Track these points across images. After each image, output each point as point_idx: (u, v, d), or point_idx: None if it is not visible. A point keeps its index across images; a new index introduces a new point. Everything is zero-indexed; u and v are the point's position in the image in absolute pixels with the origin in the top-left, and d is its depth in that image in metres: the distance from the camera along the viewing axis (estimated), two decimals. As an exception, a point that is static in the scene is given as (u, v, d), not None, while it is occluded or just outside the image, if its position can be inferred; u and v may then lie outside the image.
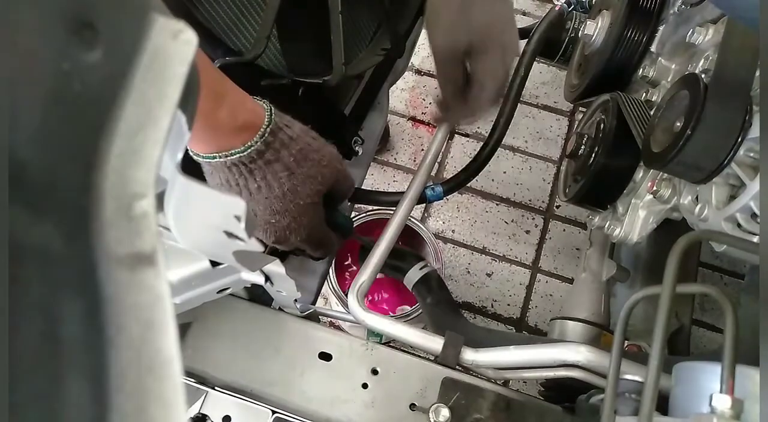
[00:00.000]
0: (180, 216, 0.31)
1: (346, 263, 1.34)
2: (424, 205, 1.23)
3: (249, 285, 0.59)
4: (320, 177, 0.59)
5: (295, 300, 0.64)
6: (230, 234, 0.30)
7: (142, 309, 0.14)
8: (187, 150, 0.23)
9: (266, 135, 0.54)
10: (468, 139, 1.62)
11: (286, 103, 0.61)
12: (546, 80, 1.70)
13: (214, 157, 0.53)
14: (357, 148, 0.86)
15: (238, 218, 0.27)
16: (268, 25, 0.60)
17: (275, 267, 0.49)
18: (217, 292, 0.55)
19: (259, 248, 0.31)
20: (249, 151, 0.53)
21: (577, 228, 1.54)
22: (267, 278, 0.54)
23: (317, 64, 0.73)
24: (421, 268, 0.88)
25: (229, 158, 0.53)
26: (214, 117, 0.50)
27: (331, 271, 1.20)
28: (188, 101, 0.18)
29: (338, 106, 0.84)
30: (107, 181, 0.15)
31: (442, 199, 0.84)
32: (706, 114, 0.49)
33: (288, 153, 0.56)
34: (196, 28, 0.19)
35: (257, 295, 0.70)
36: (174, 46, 0.17)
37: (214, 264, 0.48)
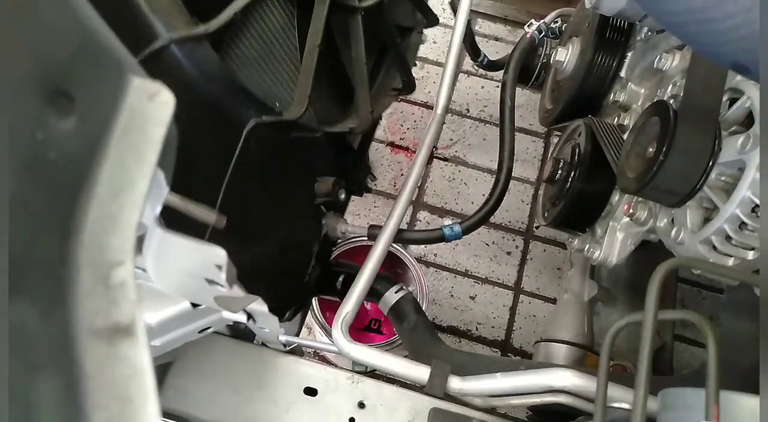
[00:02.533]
0: (159, 264, 0.30)
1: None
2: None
3: (231, 323, 0.58)
4: None
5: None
6: (211, 281, 0.30)
7: (121, 383, 0.13)
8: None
9: None
10: (446, 162, 1.64)
11: (309, 147, 0.60)
12: (520, 103, 1.72)
13: None
14: (370, 185, 0.87)
15: (219, 267, 0.27)
16: (308, 86, 0.60)
17: (257, 305, 0.48)
18: (199, 332, 0.54)
19: (241, 294, 0.30)
20: None
21: (557, 248, 1.55)
22: (249, 316, 0.53)
23: (339, 111, 0.73)
24: (396, 291, 0.88)
25: None
26: None
27: (314, 301, 1.18)
28: (166, 159, 0.18)
29: (352, 146, 0.84)
30: (84, 249, 0.15)
31: (461, 238, 0.83)
32: (677, 140, 0.50)
33: None
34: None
35: (239, 330, 0.69)
36: (151, 108, 0.16)
37: (194, 304, 0.48)
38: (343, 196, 0.74)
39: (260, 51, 0.60)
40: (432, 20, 0.96)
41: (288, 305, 0.75)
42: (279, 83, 0.64)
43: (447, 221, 1.57)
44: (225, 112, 0.54)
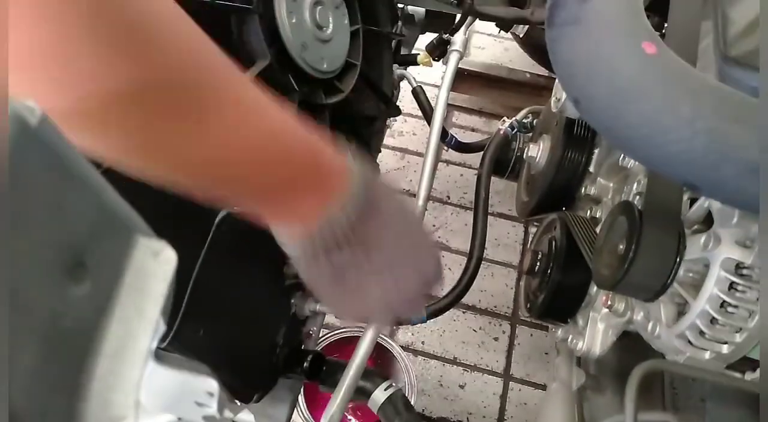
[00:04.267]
0: (148, 387, 0.31)
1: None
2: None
3: (216, 432, 0.57)
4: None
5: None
6: (201, 404, 0.30)
7: None
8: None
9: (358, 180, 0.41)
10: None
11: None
12: (499, 189, 1.79)
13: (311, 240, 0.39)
14: None
15: (210, 394, 0.27)
16: None
17: (245, 416, 0.48)
18: (183, 443, 0.53)
19: (231, 414, 0.31)
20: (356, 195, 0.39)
21: (544, 331, 1.55)
22: (235, 425, 0.52)
23: None
24: (386, 389, 0.87)
25: (328, 226, 0.38)
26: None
27: (301, 398, 1.16)
28: (165, 307, 0.19)
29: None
30: (89, 405, 0.16)
31: (425, 322, 0.85)
32: (643, 240, 0.53)
33: (380, 194, 0.43)
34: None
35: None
36: (155, 265, 0.18)
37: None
38: None
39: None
40: (394, 111, 1.02)
41: (257, 387, 0.73)
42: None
43: (433, 308, 1.57)
44: (199, 205, 0.58)
